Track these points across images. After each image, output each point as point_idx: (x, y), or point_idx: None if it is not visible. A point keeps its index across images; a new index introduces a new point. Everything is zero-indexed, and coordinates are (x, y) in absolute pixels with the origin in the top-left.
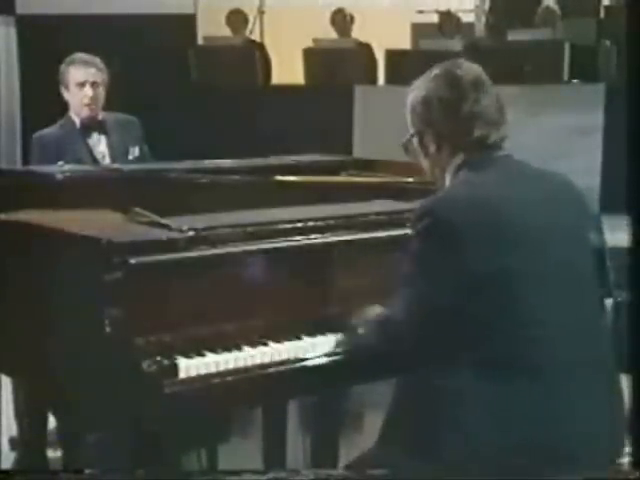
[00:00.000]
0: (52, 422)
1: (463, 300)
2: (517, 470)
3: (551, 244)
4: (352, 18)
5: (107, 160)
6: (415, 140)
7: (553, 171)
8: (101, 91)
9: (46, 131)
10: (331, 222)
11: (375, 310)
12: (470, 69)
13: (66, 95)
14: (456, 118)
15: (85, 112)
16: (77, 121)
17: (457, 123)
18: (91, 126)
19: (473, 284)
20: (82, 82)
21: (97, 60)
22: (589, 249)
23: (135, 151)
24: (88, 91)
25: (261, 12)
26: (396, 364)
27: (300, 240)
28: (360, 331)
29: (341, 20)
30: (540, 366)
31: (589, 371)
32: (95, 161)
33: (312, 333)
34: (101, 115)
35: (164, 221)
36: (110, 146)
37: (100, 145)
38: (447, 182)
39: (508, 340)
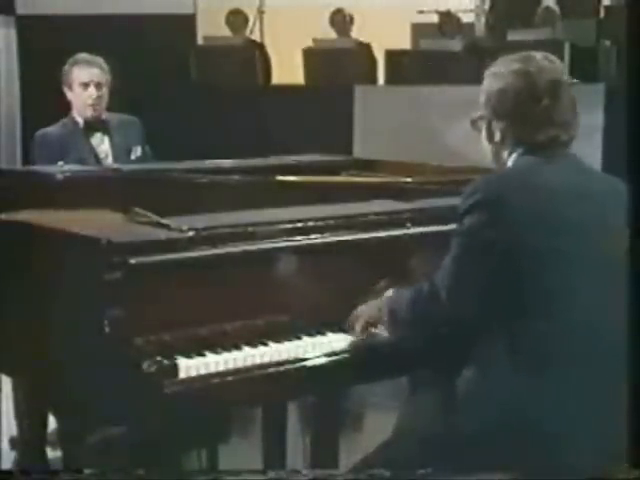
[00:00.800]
0: (52, 422)
1: (506, 276)
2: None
3: (595, 238)
4: (352, 18)
5: (110, 160)
6: (483, 122)
7: (610, 176)
8: (105, 91)
9: (49, 130)
10: (331, 222)
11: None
12: (550, 69)
13: (69, 95)
14: (527, 119)
15: (89, 112)
16: (80, 121)
17: (528, 123)
18: (94, 126)
19: (516, 262)
20: (86, 82)
21: (101, 60)
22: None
23: (137, 151)
24: (92, 92)
25: (261, 12)
26: (434, 337)
27: (300, 240)
28: (396, 304)
29: (341, 20)
30: (566, 354)
31: (608, 365)
32: (98, 161)
33: (312, 333)
34: (104, 115)
35: (164, 221)
36: (113, 146)
37: (103, 145)
38: (509, 165)
39: (541, 322)
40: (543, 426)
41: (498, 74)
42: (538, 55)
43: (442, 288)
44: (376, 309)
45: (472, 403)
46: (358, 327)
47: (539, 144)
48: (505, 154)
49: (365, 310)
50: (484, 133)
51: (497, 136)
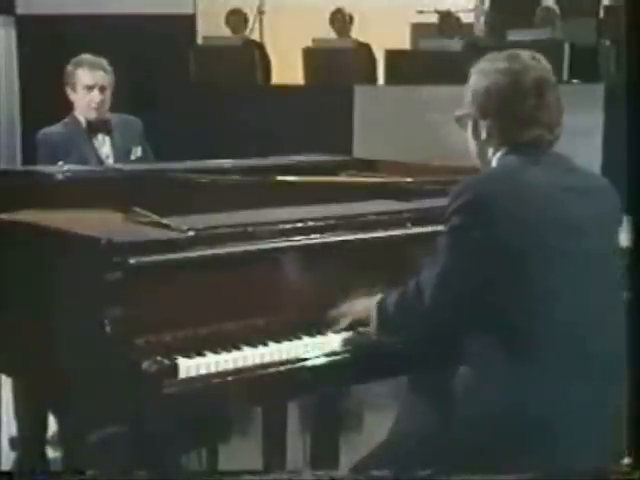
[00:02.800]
0: (52, 423)
1: (495, 276)
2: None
3: (583, 235)
4: (351, 18)
5: (111, 161)
6: (469, 120)
7: (594, 172)
8: (108, 94)
9: (51, 129)
10: (331, 222)
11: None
12: (536, 67)
13: (72, 96)
14: (512, 117)
15: (92, 114)
16: (83, 121)
17: (513, 122)
18: (97, 127)
19: (506, 261)
20: (90, 86)
21: (104, 62)
22: (616, 247)
23: (137, 151)
24: (96, 95)
25: (261, 12)
26: (423, 334)
27: (300, 240)
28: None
29: (340, 20)
30: (557, 351)
31: (601, 363)
32: (100, 162)
33: (312, 333)
34: (107, 115)
35: (164, 221)
36: (113, 146)
37: (105, 146)
38: (493, 164)
39: (531, 320)
40: (541, 423)
41: (484, 72)
42: (525, 54)
43: (427, 288)
44: (364, 309)
45: (469, 402)
46: (344, 324)
47: (524, 143)
48: (490, 152)
49: (353, 308)
50: (470, 131)
51: (483, 134)
